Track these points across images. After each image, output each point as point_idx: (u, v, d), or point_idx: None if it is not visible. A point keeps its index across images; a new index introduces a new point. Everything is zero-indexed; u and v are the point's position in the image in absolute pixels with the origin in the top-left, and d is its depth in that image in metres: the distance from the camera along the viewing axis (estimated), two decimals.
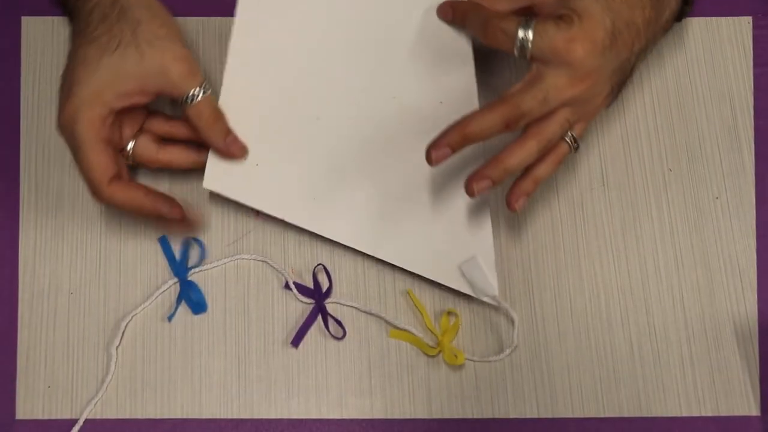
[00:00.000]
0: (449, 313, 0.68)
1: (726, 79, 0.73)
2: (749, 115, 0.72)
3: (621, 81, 0.64)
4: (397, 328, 0.68)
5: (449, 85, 0.68)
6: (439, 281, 0.67)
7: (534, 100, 0.60)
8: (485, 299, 0.67)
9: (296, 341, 0.67)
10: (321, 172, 0.67)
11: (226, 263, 0.69)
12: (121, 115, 0.63)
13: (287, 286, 0.68)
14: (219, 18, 0.72)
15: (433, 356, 0.67)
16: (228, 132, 0.65)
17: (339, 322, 0.68)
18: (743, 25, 0.73)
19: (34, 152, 0.70)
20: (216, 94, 0.66)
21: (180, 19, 0.71)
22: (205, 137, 0.64)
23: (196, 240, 0.69)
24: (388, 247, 0.67)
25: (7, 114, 0.71)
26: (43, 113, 0.71)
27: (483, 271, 0.66)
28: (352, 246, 0.67)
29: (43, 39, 0.72)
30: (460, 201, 0.67)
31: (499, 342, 0.68)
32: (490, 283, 0.66)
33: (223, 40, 0.71)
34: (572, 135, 0.63)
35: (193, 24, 0.72)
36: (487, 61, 0.71)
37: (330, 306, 0.68)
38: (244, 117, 0.66)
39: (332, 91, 0.68)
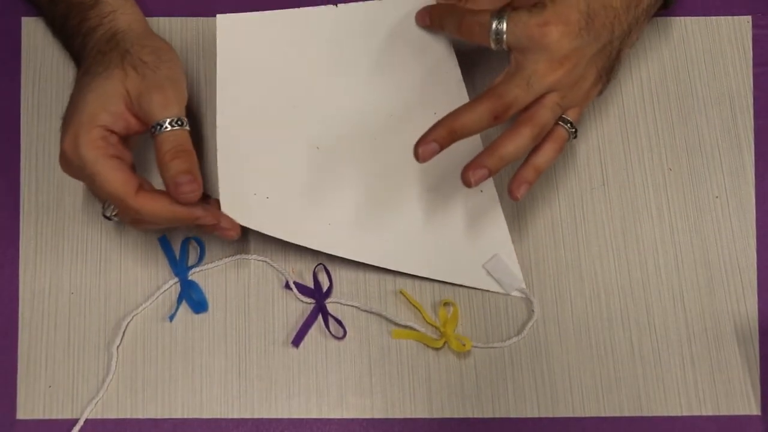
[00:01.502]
0: (446, 303, 0.68)
1: (726, 79, 0.73)
2: (749, 115, 0.72)
3: (607, 66, 0.64)
4: (399, 325, 0.68)
5: (440, 94, 0.69)
6: (469, 285, 0.68)
7: (518, 88, 0.60)
8: (515, 293, 0.68)
9: (297, 341, 0.67)
10: (331, 198, 0.67)
11: (226, 263, 0.69)
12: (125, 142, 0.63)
13: (287, 286, 0.68)
14: None
15: (439, 348, 0.67)
16: (182, 173, 0.60)
17: (339, 322, 0.68)
18: (743, 25, 0.73)
19: (35, 152, 0.70)
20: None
21: (180, 19, 0.71)
22: (159, 170, 0.61)
23: (196, 239, 0.69)
24: (414, 261, 0.68)
25: (7, 114, 0.71)
26: (43, 113, 0.71)
27: (508, 267, 0.68)
28: (377, 264, 0.68)
29: (44, 39, 0.72)
30: (471, 204, 0.68)
31: (500, 328, 0.68)
32: (516, 277, 0.68)
33: None
34: (568, 120, 0.64)
35: (193, 24, 0.72)
36: (474, 64, 0.71)
37: (330, 306, 0.68)
38: (244, 150, 0.66)
39: (328, 118, 0.68)
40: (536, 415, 0.67)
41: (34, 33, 0.72)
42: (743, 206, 0.71)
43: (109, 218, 0.62)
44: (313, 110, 0.68)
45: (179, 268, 0.68)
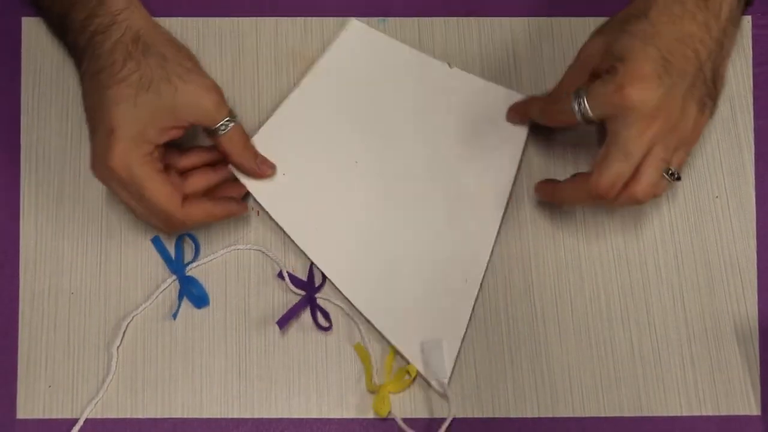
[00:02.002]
0: (408, 371, 0.67)
1: (726, 79, 0.72)
2: (749, 115, 0.72)
3: (707, 92, 0.61)
4: (364, 344, 0.67)
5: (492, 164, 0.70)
6: (396, 345, 0.67)
7: (617, 162, 0.60)
8: (433, 383, 0.66)
9: (281, 323, 0.67)
10: (345, 217, 0.69)
11: (223, 254, 0.69)
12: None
13: (281, 275, 0.68)
14: (219, 18, 0.72)
15: (372, 391, 0.67)
16: (257, 154, 0.67)
17: (326, 315, 0.68)
18: (743, 25, 0.73)
19: (35, 153, 0.70)
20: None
21: (180, 19, 0.71)
22: (238, 162, 0.66)
23: (189, 236, 0.69)
24: (375, 306, 0.67)
25: (7, 114, 0.71)
26: (43, 114, 0.71)
27: (443, 357, 0.66)
28: (349, 298, 0.68)
29: (44, 40, 0.72)
30: (455, 283, 0.68)
31: (430, 409, 0.67)
32: (444, 370, 0.66)
33: (223, 40, 0.72)
34: (670, 170, 0.62)
35: (193, 24, 0.72)
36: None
37: (321, 302, 0.68)
38: (288, 136, 0.69)
39: (377, 145, 0.70)
40: (536, 415, 0.67)
41: (34, 33, 0.72)
42: (743, 206, 0.71)
43: None
44: (367, 134, 0.70)
45: (176, 265, 0.68)
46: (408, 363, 0.66)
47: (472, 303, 0.68)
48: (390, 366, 0.67)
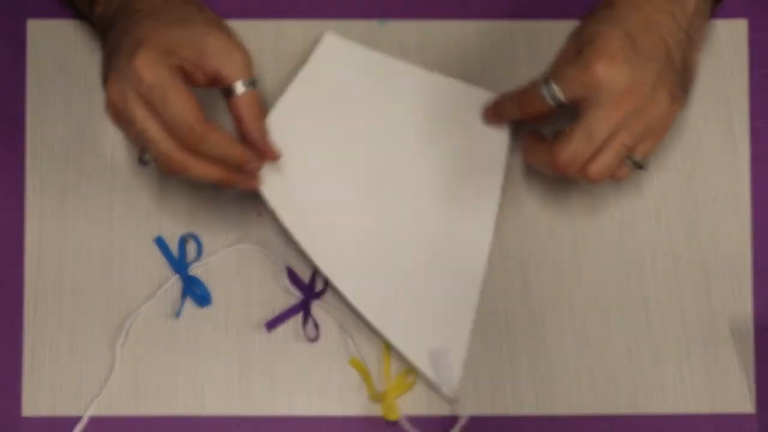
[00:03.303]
0: (409, 372, 0.67)
1: (722, 81, 0.73)
2: (746, 117, 0.72)
3: (678, 81, 0.61)
4: (359, 357, 0.68)
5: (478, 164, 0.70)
6: (406, 354, 0.66)
7: (577, 142, 0.60)
8: (445, 390, 0.66)
9: (270, 325, 0.67)
10: (348, 220, 0.68)
11: (225, 254, 0.69)
12: None
13: (290, 273, 0.68)
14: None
15: (375, 400, 0.67)
16: (266, 131, 0.63)
17: (316, 325, 0.68)
18: (739, 28, 0.73)
19: (39, 154, 0.70)
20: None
21: None
22: (249, 128, 0.61)
23: (192, 235, 0.69)
24: (377, 305, 0.67)
25: (12, 116, 0.71)
26: (48, 116, 0.71)
27: (450, 365, 0.66)
28: (353, 303, 0.67)
29: (49, 42, 0.72)
30: (456, 291, 0.68)
31: (429, 406, 0.68)
32: (452, 378, 0.66)
33: None
34: (633, 159, 0.62)
35: None
36: None
37: (317, 309, 0.68)
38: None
39: (375, 159, 0.69)
40: (534, 413, 0.67)
41: (39, 36, 0.72)
42: (739, 207, 0.71)
43: (145, 163, 0.60)
44: (359, 145, 0.69)
45: (179, 265, 0.69)
46: (412, 369, 0.67)
47: (474, 311, 0.68)
48: (388, 371, 0.67)
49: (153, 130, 0.58)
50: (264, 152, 0.62)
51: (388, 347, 0.68)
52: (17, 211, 0.70)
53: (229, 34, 0.61)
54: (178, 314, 0.68)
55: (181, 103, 0.57)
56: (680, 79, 0.61)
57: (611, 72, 0.58)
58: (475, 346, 0.68)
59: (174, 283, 0.69)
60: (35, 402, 0.67)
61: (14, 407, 0.67)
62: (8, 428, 0.67)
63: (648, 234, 0.70)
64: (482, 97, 0.70)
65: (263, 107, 0.63)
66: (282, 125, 0.66)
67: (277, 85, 0.71)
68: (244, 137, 0.62)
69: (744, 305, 0.69)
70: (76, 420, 0.67)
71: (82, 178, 0.70)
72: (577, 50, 0.60)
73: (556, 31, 0.72)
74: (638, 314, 0.69)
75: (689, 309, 0.69)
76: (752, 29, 0.73)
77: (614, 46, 0.58)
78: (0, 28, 0.72)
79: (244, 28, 0.71)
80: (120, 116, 0.58)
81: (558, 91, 0.60)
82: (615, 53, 0.58)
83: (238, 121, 0.61)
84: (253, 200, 0.68)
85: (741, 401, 0.68)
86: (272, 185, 0.66)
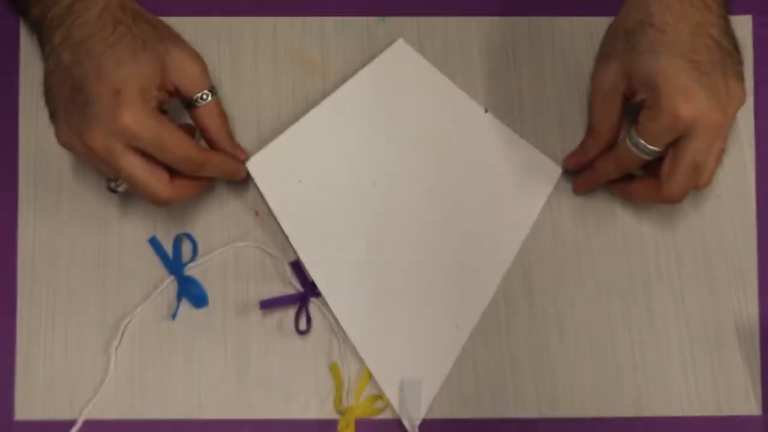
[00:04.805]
0: (380, 397, 0.67)
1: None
2: (750, 114, 0.72)
3: (738, 61, 0.62)
4: (337, 363, 0.67)
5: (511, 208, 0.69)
6: (376, 377, 0.66)
7: (685, 177, 0.61)
8: (405, 422, 0.65)
9: (265, 305, 0.67)
10: (350, 234, 0.68)
11: (221, 253, 0.68)
12: None
13: (295, 263, 0.68)
14: (219, 18, 0.72)
15: (340, 412, 0.66)
16: (232, 135, 0.67)
17: (309, 320, 0.67)
18: (743, 24, 0.73)
19: (33, 153, 0.70)
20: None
21: (180, 19, 0.71)
22: (215, 136, 0.65)
23: (187, 235, 0.69)
24: (356, 322, 0.67)
25: (6, 115, 0.71)
26: (42, 114, 0.70)
27: (420, 398, 0.66)
28: (341, 323, 0.67)
29: None
30: (446, 327, 0.67)
31: None
32: (418, 411, 0.65)
33: (222, 40, 0.72)
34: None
35: (191, 23, 0.72)
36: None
37: (314, 306, 0.68)
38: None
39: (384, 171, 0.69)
40: (536, 416, 0.67)
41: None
42: (744, 206, 0.70)
43: (115, 191, 0.63)
44: (391, 158, 0.69)
45: (174, 265, 0.68)
46: (383, 394, 0.66)
47: (459, 349, 0.67)
48: (361, 390, 0.66)
49: (141, 174, 0.60)
50: (235, 156, 0.66)
51: None
52: (11, 211, 0.69)
53: (183, 46, 0.63)
54: (173, 316, 0.67)
55: (177, 143, 0.60)
56: (735, 58, 0.61)
57: (694, 107, 0.58)
58: (476, 348, 0.68)
59: (169, 284, 0.68)
60: (28, 406, 0.67)
61: (6, 411, 0.66)
62: None
63: (651, 234, 0.70)
64: (533, 154, 0.70)
65: (223, 112, 0.66)
66: (326, 119, 0.68)
67: (274, 84, 0.71)
68: (211, 145, 0.66)
69: (749, 306, 0.69)
70: (70, 424, 0.66)
71: (77, 177, 0.70)
72: (643, 96, 0.60)
73: (557, 28, 0.72)
74: (642, 315, 0.69)
75: (693, 310, 0.69)
76: (757, 25, 0.73)
77: (683, 80, 0.58)
78: None
79: (241, 24, 0.71)
80: (99, 161, 0.60)
81: (649, 146, 0.61)
82: (688, 87, 0.58)
83: (203, 131, 0.65)
84: (250, 199, 0.68)
85: (747, 403, 0.67)
86: (273, 185, 0.66)
